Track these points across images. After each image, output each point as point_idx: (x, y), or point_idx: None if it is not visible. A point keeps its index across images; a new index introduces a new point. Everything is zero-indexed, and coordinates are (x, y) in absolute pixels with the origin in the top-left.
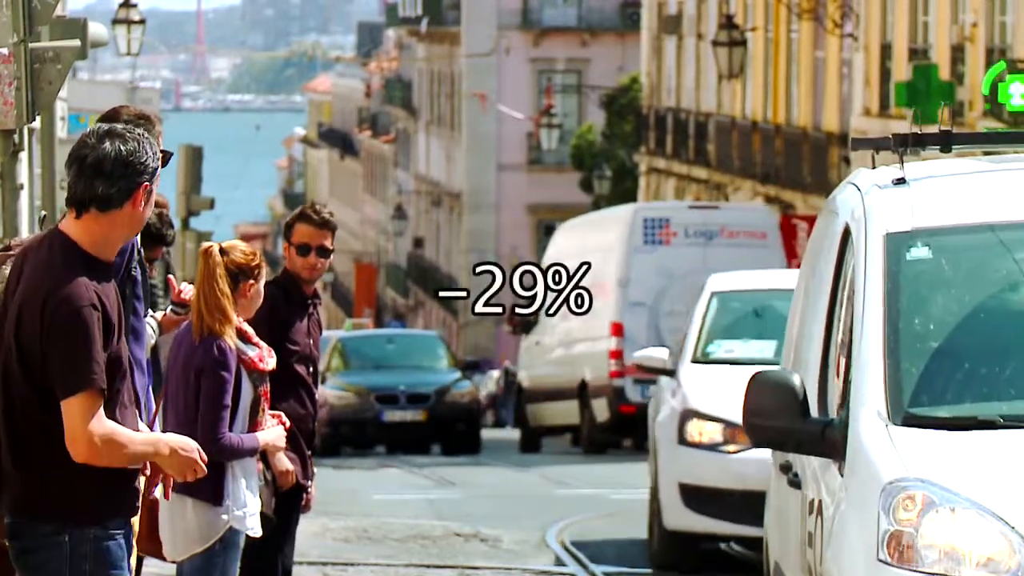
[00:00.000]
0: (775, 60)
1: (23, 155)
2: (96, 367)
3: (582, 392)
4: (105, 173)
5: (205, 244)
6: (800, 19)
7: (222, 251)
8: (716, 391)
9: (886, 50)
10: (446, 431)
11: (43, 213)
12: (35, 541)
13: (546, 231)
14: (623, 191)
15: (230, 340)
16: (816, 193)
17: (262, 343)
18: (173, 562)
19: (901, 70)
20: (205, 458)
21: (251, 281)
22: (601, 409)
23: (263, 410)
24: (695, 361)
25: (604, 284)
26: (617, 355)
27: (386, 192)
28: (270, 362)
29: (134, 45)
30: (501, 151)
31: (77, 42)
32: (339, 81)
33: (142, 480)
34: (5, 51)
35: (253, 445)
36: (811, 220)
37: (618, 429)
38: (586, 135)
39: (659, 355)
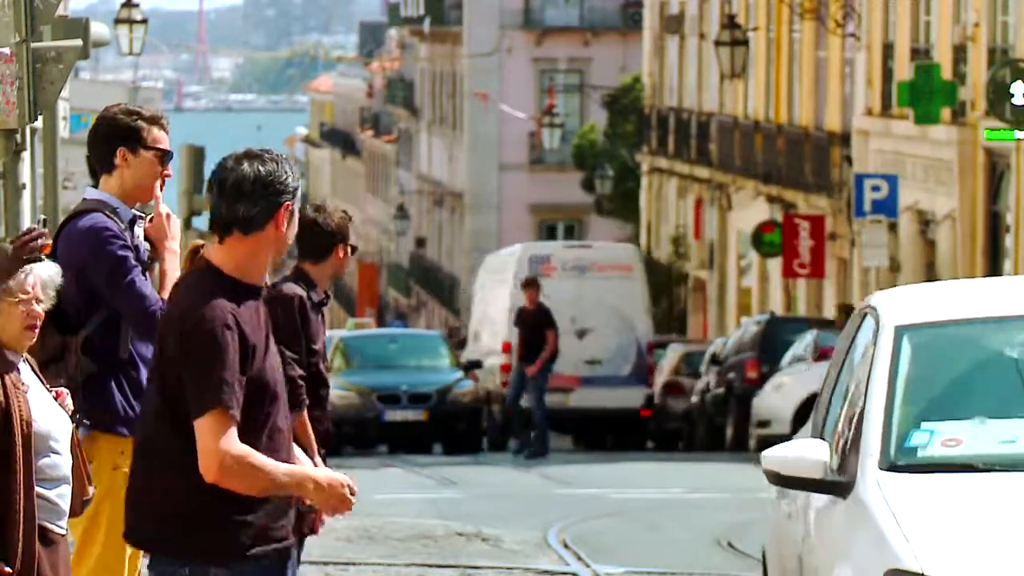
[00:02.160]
0: (777, 60)
1: (25, 155)
2: (227, 387)
3: (488, 399)
4: (246, 194)
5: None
6: (802, 19)
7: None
8: (949, 529)
9: (888, 50)
10: (447, 431)
11: (42, 217)
12: (155, 570)
13: (548, 231)
14: (625, 191)
15: None
16: (818, 193)
17: None
18: None
19: (903, 70)
20: (356, 489)
21: None
22: (497, 413)
23: None
24: (892, 467)
25: (500, 309)
26: (506, 368)
27: (388, 192)
28: None
29: (136, 45)
30: (503, 151)
31: (79, 42)
32: (341, 81)
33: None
34: (7, 51)
35: None
36: (813, 220)
37: (508, 428)
38: (588, 135)
39: (811, 454)
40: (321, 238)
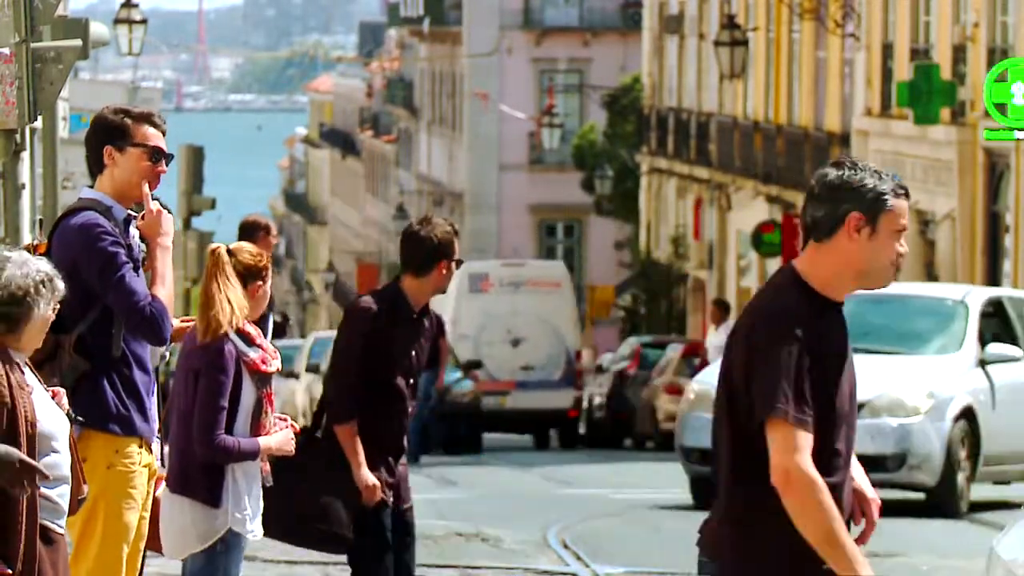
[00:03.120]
0: (776, 60)
1: (25, 155)
2: (781, 398)
3: None
4: (815, 196)
5: (212, 245)
6: (802, 19)
7: (229, 252)
8: None
9: (888, 50)
10: (447, 430)
11: (39, 218)
12: (706, 571)
13: (548, 231)
14: (625, 191)
15: (230, 339)
16: None
17: (267, 345)
18: (177, 560)
19: (903, 70)
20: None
21: (259, 282)
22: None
23: (267, 413)
24: None
25: (446, 321)
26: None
27: (388, 192)
28: (274, 364)
29: (135, 45)
30: (503, 151)
31: (79, 42)
32: (341, 81)
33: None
34: (7, 51)
35: (252, 448)
36: None
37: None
38: (588, 135)
39: None
40: (423, 252)
